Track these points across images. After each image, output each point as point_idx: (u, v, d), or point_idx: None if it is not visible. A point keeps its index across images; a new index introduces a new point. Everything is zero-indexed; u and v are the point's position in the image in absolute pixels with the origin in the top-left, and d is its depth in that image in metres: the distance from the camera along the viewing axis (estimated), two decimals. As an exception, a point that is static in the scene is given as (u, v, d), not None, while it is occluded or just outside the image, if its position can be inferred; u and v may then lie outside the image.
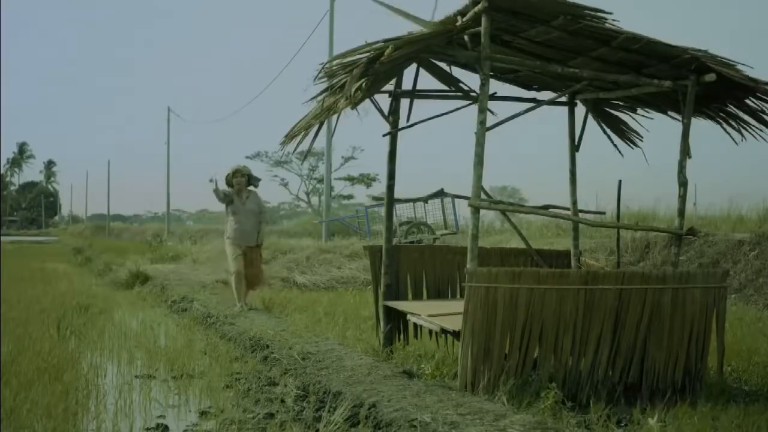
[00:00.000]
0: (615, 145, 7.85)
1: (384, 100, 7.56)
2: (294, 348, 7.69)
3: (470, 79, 7.48)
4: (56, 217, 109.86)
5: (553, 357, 5.73)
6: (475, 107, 6.33)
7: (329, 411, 5.17)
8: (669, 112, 7.30)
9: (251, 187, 11.52)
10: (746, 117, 6.76)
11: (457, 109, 7.70)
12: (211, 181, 11.10)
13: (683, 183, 6.47)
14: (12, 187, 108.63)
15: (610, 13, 5.81)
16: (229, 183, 11.37)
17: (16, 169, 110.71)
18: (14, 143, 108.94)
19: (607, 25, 5.89)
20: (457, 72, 7.43)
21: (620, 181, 7.58)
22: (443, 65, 7.34)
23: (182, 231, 51.71)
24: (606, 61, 6.53)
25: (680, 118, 6.62)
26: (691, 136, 6.48)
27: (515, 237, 10.27)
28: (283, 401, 5.77)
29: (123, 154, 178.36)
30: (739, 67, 6.22)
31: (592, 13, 5.77)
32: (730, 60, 6.21)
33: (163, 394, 6.27)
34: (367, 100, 6.83)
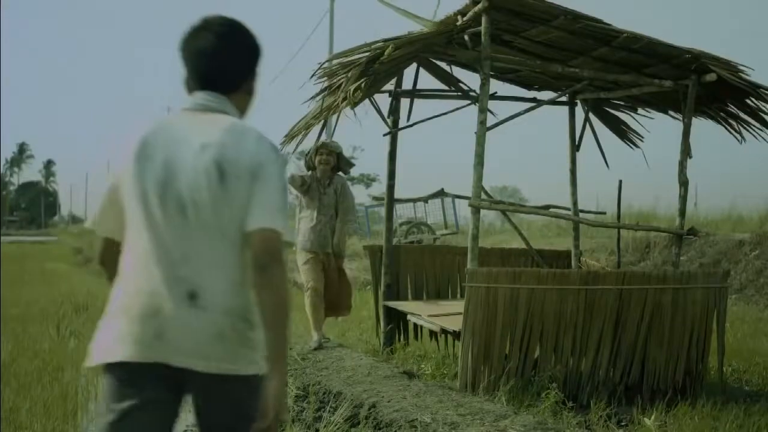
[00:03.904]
0: (603, 156, 7.81)
1: (384, 100, 7.56)
2: (294, 348, 7.68)
3: (470, 79, 7.48)
4: (56, 217, 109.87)
5: (553, 357, 5.73)
6: (475, 107, 6.33)
7: (329, 411, 5.16)
8: (670, 112, 7.30)
9: (340, 173, 7.96)
10: (747, 117, 6.75)
11: (457, 109, 7.69)
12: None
13: (684, 183, 6.47)
14: (11, 187, 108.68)
15: (609, 25, 5.84)
16: (309, 165, 7.86)
17: (16, 169, 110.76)
18: (14, 143, 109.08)
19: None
20: (457, 72, 7.43)
21: (620, 181, 7.58)
22: (443, 65, 7.33)
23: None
24: (606, 61, 6.53)
25: (681, 118, 6.62)
26: (692, 135, 6.48)
27: (516, 237, 10.27)
28: (283, 401, 5.75)
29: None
30: (739, 67, 6.21)
31: (592, 23, 5.79)
32: (731, 61, 6.20)
33: (162, 394, 6.25)
34: (367, 100, 6.82)
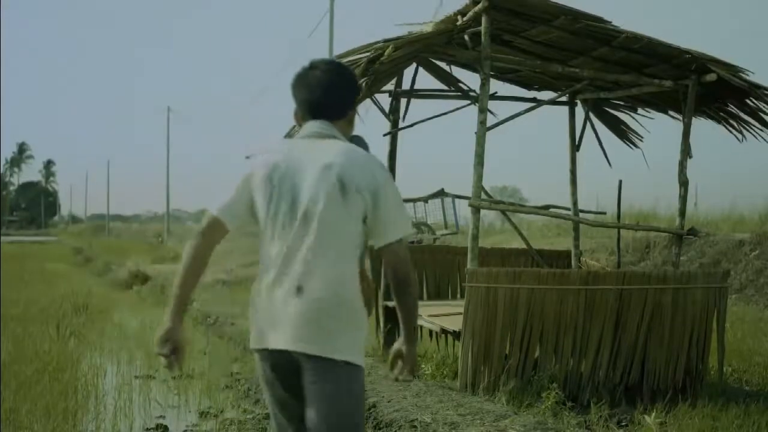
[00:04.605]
0: (605, 155, 7.80)
1: (384, 100, 7.56)
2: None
3: (470, 79, 7.48)
4: (56, 217, 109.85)
5: (553, 357, 5.73)
6: (475, 107, 6.33)
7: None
8: (670, 112, 7.30)
9: None
10: (747, 117, 6.75)
11: (457, 109, 7.69)
12: None
13: (684, 183, 6.47)
14: (11, 187, 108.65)
15: (609, 22, 5.83)
16: None
17: (16, 169, 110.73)
18: (14, 143, 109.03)
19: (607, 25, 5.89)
20: (457, 72, 7.43)
21: (620, 181, 7.58)
22: (443, 65, 7.33)
23: (182, 231, 51.74)
24: (607, 61, 6.53)
25: (681, 118, 6.62)
26: (692, 135, 6.48)
27: (516, 237, 10.27)
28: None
29: (123, 154, 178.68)
30: (739, 68, 6.21)
31: (591, 20, 5.78)
32: (730, 63, 6.20)
33: (162, 394, 6.26)
34: (368, 100, 6.81)
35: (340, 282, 2.58)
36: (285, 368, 2.61)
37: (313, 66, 2.78)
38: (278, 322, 2.57)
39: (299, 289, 2.54)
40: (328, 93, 2.74)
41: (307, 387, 2.58)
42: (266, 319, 2.61)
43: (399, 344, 2.75)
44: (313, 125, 2.73)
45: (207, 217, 2.72)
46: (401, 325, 2.74)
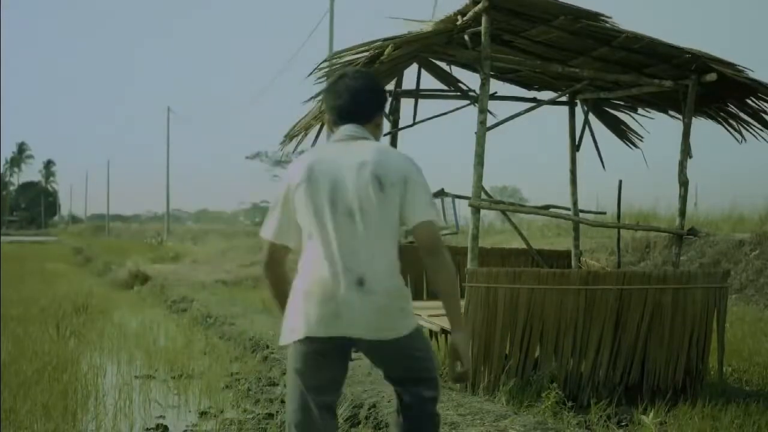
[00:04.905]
0: (600, 156, 7.81)
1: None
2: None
3: (470, 79, 7.48)
4: (56, 217, 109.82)
5: (553, 357, 5.72)
6: (475, 107, 6.32)
7: (329, 411, 5.15)
8: (670, 112, 7.30)
9: None
10: (747, 117, 6.75)
11: (457, 108, 7.69)
12: None
13: (684, 183, 6.47)
14: (11, 187, 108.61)
15: (610, 17, 5.82)
16: None
17: (16, 169, 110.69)
18: (14, 143, 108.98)
19: (607, 25, 5.89)
20: (457, 72, 7.43)
21: (620, 181, 7.58)
22: (443, 65, 7.33)
23: (182, 231, 51.73)
24: (607, 61, 6.53)
25: (681, 118, 6.61)
26: (692, 135, 6.48)
27: (516, 237, 10.27)
28: (283, 402, 5.75)
29: (123, 154, 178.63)
30: (739, 68, 6.21)
31: (592, 17, 5.77)
32: (731, 62, 6.20)
33: (162, 394, 6.26)
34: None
35: (394, 271, 2.88)
36: (334, 354, 2.87)
37: (342, 75, 3.09)
38: (342, 313, 2.78)
39: (360, 282, 2.78)
40: (356, 99, 3.00)
41: (375, 359, 2.99)
42: (324, 310, 2.79)
43: (453, 338, 2.96)
44: (345, 129, 2.98)
45: (264, 246, 2.98)
46: (447, 313, 2.93)
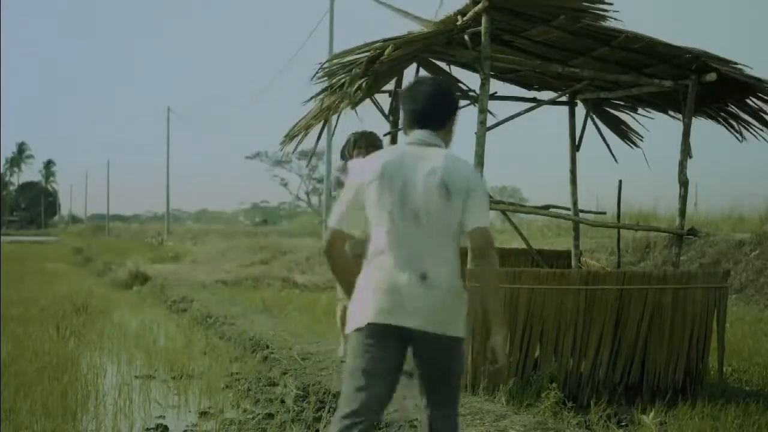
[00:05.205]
0: (610, 150, 7.82)
1: (384, 100, 7.55)
2: (294, 348, 7.68)
3: (470, 79, 7.48)
4: (56, 217, 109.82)
5: (553, 357, 5.73)
6: (475, 107, 6.32)
7: (329, 411, 5.16)
8: (670, 112, 7.30)
9: None
10: (747, 117, 6.75)
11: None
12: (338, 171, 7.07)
13: (684, 183, 6.47)
14: (11, 187, 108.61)
15: (611, 3, 5.77)
16: (346, 158, 7.13)
17: (16, 169, 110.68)
18: (14, 143, 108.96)
19: (608, 23, 5.88)
20: (457, 72, 7.43)
21: (620, 181, 7.57)
22: (443, 65, 7.33)
23: (182, 231, 51.74)
24: (607, 61, 6.53)
25: (681, 118, 6.62)
26: (692, 135, 6.48)
27: (516, 237, 10.27)
28: (283, 402, 5.75)
29: (123, 154, 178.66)
30: (739, 67, 6.21)
31: (592, 5, 5.74)
32: (730, 60, 6.20)
33: (162, 394, 6.25)
34: (368, 100, 6.81)
35: (455, 272, 3.10)
36: (390, 344, 3.07)
37: (419, 82, 3.36)
38: (404, 304, 3.03)
39: (423, 277, 3.02)
40: (431, 106, 3.22)
41: (424, 357, 3.12)
42: (392, 298, 3.04)
43: (492, 338, 3.14)
44: (419, 134, 3.21)
45: (327, 232, 3.22)
46: (489, 313, 3.15)
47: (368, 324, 3.07)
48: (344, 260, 3.24)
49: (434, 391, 3.17)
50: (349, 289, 3.23)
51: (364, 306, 3.09)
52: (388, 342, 3.07)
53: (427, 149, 3.18)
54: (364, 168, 3.19)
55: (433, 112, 3.23)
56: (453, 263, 3.11)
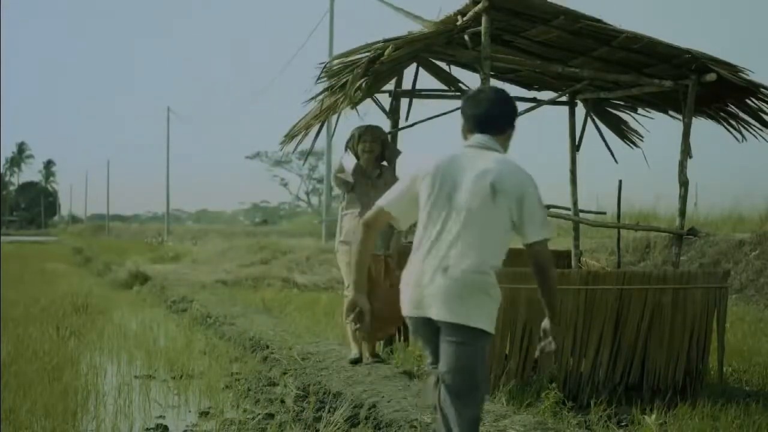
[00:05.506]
0: (610, 150, 7.82)
1: (384, 100, 7.55)
2: (294, 348, 7.69)
3: (470, 79, 7.48)
4: (56, 217, 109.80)
5: (553, 357, 5.72)
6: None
7: (329, 411, 5.16)
8: (670, 112, 7.29)
9: (385, 162, 7.06)
10: (747, 117, 6.75)
11: (457, 108, 7.65)
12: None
13: (684, 183, 6.47)
14: (11, 187, 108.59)
15: (609, 25, 5.83)
16: (351, 152, 7.06)
17: (16, 169, 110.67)
18: (13, 143, 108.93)
19: (607, 25, 5.89)
20: (456, 72, 7.43)
21: (620, 181, 7.57)
22: (443, 65, 7.33)
23: (182, 231, 51.72)
24: (607, 61, 6.53)
25: (681, 118, 6.61)
26: (692, 135, 6.48)
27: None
28: (283, 402, 5.76)
29: (123, 154, 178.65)
30: (739, 68, 6.21)
31: (592, 23, 5.78)
32: (731, 63, 6.20)
33: (162, 394, 6.26)
34: (368, 100, 6.81)
35: (480, 266, 3.22)
36: (427, 329, 3.32)
37: (481, 90, 3.63)
38: (427, 295, 3.24)
39: (446, 269, 3.19)
40: (492, 112, 3.41)
41: (442, 344, 3.27)
42: (417, 291, 3.28)
43: (545, 322, 3.45)
44: (479, 138, 3.39)
45: (375, 209, 3.46)
46: (545, 308, 3.45)
47: (407, 317, 3.38)
48: (371, 243, 3.49)
49: (452, 383, 3.26)
50: (356, 275, 3.50)
51: (403, 300, 3.37)
52: (423, 331, 3.35)
53: (484, 152, 3.34)
54: (423, 163, 3.39)
55: (494, 117, 3.41)
56: (485, 260, 3.24)
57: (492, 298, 3.29)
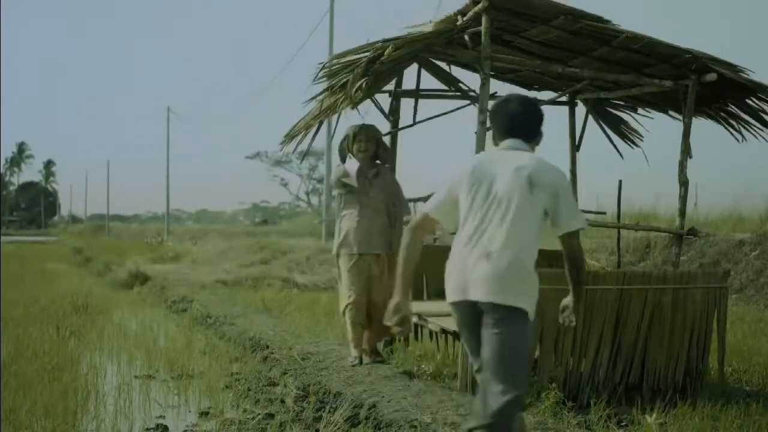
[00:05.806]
0: (615, 147, 7.84)
1: (384, 100, 7.55)
2: (294, 348, 7.69)
3: (470, 79, 7.48)
4: (56, 217, 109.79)
5: (553, 357, 5.72)
6: (475, 107, 6.32)
7: (329, 411, 5.16)
8: (670, 112, 7.29)
9: (379, 161, 7.11)
10: (747, 117, 6.75)
11: (457, 108, 7.68)
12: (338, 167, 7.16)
13: (684, 183, 6.46)
14: (11, 187, 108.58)
15: (609, 21, 5.83)
16: (344, 153, 7.13)
17: (16, 169, 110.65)
18: (13, 143, 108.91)
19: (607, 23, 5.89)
20: (457, 72, 7.43)
21: (620, 181, 7.57)
22: (443, 65, 7.33)
23: (182, 231, 51.72)
24: (607, 61, 6.53)
25: (681, 118, 6.61)
26: (692, 135, 6.48)
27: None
28: (283, 402, 5.76)
29: (123, 154, 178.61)
30: (739, 68, 6.20)
31: (593, 22, 5.78)
32: (731, 63, 6.19)
33: (162, 394, 6.26)
34: (368, 100, 6.81)
35: (519, 252, 3.44)
36: (471, 315, 3.50)
37: (509, 98, 3.78)
38: (470, 280, 3.44)
39: (488, 255, 3.41)
40: (523, 118, 3.66)
41: (484, 330, 3.45)
42: (461, 278, 3.48)
43: (567, 300, 3.73)
44: (510, 142, 3.65)
45: (419, 215, 3.74)
46: (571, 290, 3.70)
47: (450, 303, 3.56)
48: (418, 247, 3.67)
49: (493, 366, 3.40)
50: (402, 278, 3.61)
51: (447, 287, 3.56)
52: (467, 320, 3.52)
53: (516, 152, 3.60)
54: (463, 165, 3.63)
55: (525, 123, 3.66)
56: (523, 248, 3.45)
57: (532, 282, 3.50)
